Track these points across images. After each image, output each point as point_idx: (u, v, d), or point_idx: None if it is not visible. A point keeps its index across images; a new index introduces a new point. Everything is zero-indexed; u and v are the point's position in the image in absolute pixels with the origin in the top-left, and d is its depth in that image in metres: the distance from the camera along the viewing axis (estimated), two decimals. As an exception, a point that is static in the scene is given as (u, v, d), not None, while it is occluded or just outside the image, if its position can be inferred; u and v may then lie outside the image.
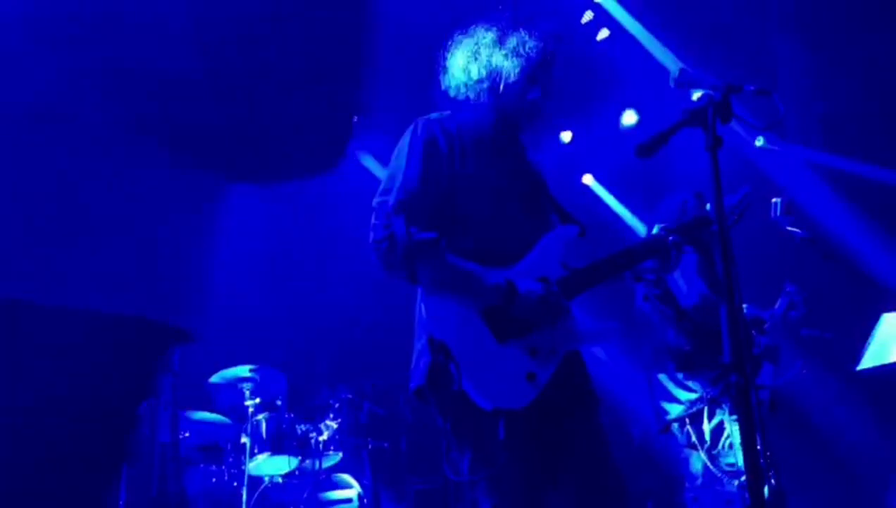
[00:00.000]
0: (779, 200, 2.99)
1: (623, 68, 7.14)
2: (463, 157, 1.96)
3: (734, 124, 1.75)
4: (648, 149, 1.74)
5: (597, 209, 7.16)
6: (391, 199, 1.89)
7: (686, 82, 1.79)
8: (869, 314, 3.96)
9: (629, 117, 8.13)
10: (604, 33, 7.27)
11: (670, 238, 2.03)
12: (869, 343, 3.74)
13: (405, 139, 2.00)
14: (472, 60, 2.02)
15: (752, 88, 1.79)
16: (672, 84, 1.81)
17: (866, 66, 6.99)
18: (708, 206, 2.20)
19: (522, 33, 2.01)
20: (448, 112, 2.08)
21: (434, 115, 2.06)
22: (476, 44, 2.03)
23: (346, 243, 7.38)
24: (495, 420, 1.77)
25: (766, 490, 2.78)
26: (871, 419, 6.87)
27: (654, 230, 2.11)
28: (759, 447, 1.53)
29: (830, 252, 3.06)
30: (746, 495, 2.54)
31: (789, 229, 3.00)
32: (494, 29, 2.03)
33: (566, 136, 8.50)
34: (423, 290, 1.86)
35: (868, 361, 3.70)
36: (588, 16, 7.18)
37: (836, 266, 3.10)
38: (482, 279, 1.84)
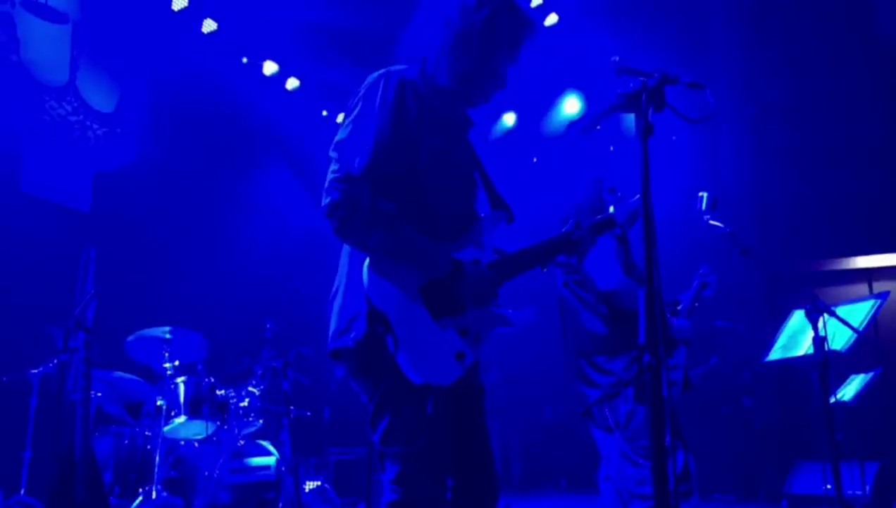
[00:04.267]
0: (705, 194, 3.08)
1: (568, 55, 7.21)
2: (428, 126, 1.91)
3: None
4: (581, 129, 1.76)
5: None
6: (357, 162, 1.80)
7: (626, 70, 1.81)
8: (781, 309, 4.15)
9: (571, 105, 8.24)
10: (552, 19, 7.32)
11: (576, 235, 2.08)
12: (778, 336, 3.92)
13: (377, 91, 1.89)
14: (444, 21, 1.98)
15: (687, 79, 1.82)
16: (613, 71, 1.83)
17: (799, 67, 7.26)
18: (612, 208, 2.26)
19: (500, 8, 1.97)
20: (416, 67, 2.00)
21: (406, 70, 1.97)
22: (452, 7, 1.98)
23: (276, 208, 7.26)
24: (423, 395, 1.79)
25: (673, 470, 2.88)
26: (776, 409, 7.23)
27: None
28: (667, 427, 1.57)
29: (748, 248, 3.17)
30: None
31: (712, 222, 3.10)
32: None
33: (510, 118, 8.55)
34: (370, 257, 1.81)
35: (776, 353, 3.87)
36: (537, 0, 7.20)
37: (754, 262, 3.22)
38: (433, 256, 1.84)
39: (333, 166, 1.84)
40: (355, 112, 1.91)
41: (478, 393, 2.03)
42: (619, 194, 3.18)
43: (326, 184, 1.83)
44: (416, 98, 1.91)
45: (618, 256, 2.97)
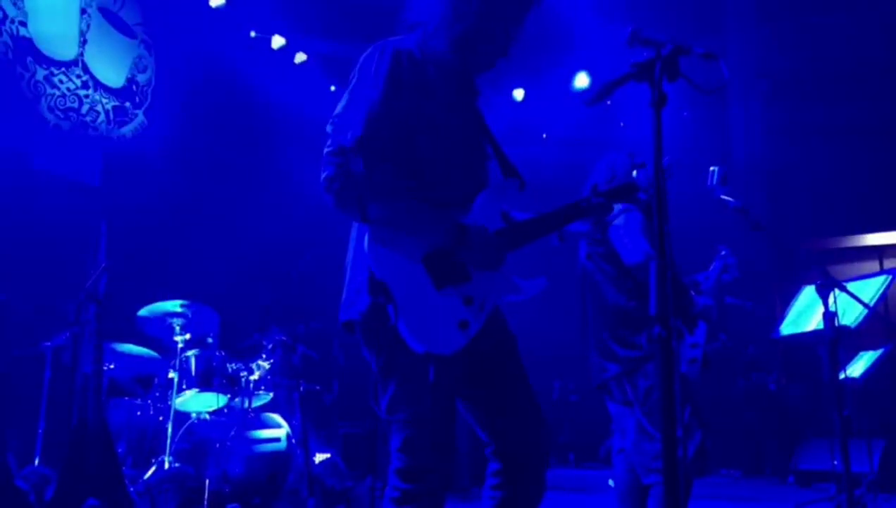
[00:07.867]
0: (716, 168, 3.05)
1: (578, 29, 7.13)
2: (426, 94, 1.90)
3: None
4: (594, 99, 1.74)
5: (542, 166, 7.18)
6: (350, 133, 1.81)
7: (638, 40, 1.79)
8: (791, 285, 4.14)
9: (582, 80, 8.15)
10: (562, -9, 7.22)
11: (592, 201, 2.05)
12: (788, 312, 3.91)
13: (371, 64, 1.90)
14: None
15: (700, 50, 1.80)
16: (625, 41, 1.81)
17: (812, 41, 7.16)
18: (635, 172, 2.22)
19: None
20: (414, 37, 1.99)
21: (402, 40, 1.97)
22: None
23: (288, 184, 7.26)
24: (425, 364, 1.79)
25: (691, 447, 2.89)
26: (784, 385, 7.24)
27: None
28: (679, 400, 1.57)
29: (759, 223, 3.15)
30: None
31: (723, 197, 3.08)
32: None
33: (518, 94, 8.48)
34: (370, 227, 1.81)
35: (786, 328, 3.86)
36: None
37: (764, 237, 3.20)
38: (434, 222, 1.84)
39: (328, 141, 1.85)
40: (350, 86, 1.93)
41: (505, 351, 2.00)
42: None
43: (322, 159, 1.84)
44: (413, 67, 1.90)
45: (644, 230, 2.93)
